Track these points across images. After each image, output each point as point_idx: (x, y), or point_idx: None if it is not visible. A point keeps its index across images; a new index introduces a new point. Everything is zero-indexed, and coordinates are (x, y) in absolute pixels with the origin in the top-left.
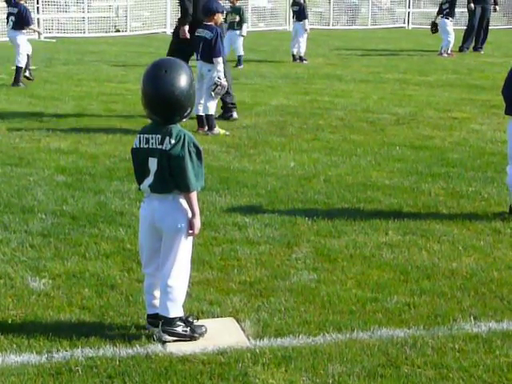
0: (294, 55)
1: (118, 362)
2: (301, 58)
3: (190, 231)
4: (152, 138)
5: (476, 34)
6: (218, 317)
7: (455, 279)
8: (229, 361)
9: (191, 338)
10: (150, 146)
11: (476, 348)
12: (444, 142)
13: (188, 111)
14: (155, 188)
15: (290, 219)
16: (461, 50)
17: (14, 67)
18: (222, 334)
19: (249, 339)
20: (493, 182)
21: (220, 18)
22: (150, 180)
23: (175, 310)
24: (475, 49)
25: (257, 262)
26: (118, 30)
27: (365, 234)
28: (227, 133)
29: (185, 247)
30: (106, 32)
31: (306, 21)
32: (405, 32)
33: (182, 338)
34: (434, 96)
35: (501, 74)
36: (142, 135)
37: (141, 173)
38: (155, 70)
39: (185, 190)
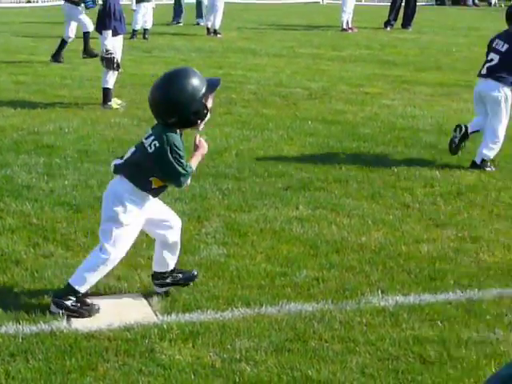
0: (208, 28)
1: (20, 340)
2: (215, 32)
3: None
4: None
5: (404, 10)
6: (125, 292)
7: (364, 253)
8: (135, 337)
9: (79, 314)
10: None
11: (383, 322)
12: (356, 117)
13: (172, 119)
14: (118, 169)
15: (201, 193)
16: (385, 25)
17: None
18: (129, 309)
19: (156, 315)
20: (403, 157)
21: None
22: (118, 161)
23: (81, 284)
24: (403, 26)
25: None
26: (29, 1)
27: (275, 209)
28: (120, 107)
29: (119, 231)
30: (17, 3)
31: None
32: (319, 7)
33: (70, 312)
34: (347, 71)
35: (412, 50)
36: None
37: None
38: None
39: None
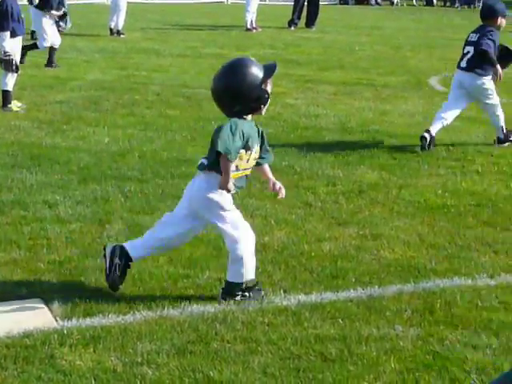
0: (111, 29)
1: None
2: (118, 32)
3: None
4: None
5: (307, 9)
6: (25, 298)
7: (267, 253)
8: (35, 343)
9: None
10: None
11: (285, 321)
12: (259, 117)
13: (236, 108)
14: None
15: (103, 196)
16: (289, 24)
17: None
18: (29, 315)
19: (56, 320)
20: (306, 156)
21: None
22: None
23: (238, 277)
24: (307, 25)
25: (67, 241)
26: None
27: None
28: (20, 110)
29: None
30: None
31: None
32: (224, 7)
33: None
34: None
35: (316, 49)
36: None
37: None
38: None
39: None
